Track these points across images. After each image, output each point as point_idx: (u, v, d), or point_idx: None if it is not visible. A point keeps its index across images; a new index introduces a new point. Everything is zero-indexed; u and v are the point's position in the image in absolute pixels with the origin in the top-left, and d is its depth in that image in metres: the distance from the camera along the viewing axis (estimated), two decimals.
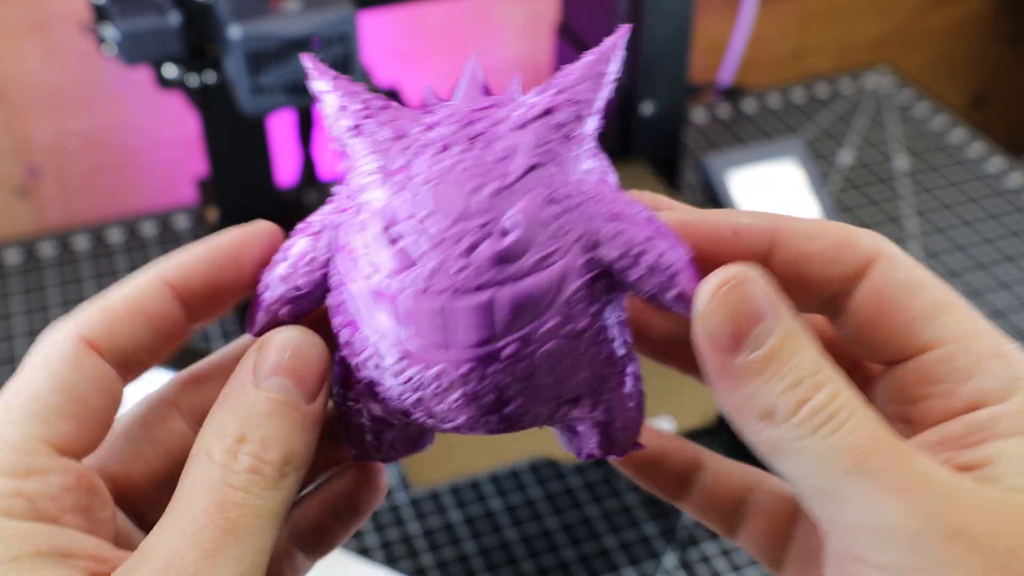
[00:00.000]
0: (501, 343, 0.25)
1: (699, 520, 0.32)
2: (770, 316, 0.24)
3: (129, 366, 0.27)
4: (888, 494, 0.23)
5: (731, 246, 0.27)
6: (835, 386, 0.24)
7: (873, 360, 0.28)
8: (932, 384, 0.26)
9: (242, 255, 0.28)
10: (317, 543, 0.31)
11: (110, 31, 0.63)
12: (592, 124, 0.26)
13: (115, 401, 0.27)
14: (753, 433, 0.25)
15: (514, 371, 0.25)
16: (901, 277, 0.27)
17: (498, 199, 0.25)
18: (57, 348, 0.26)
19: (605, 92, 0.26)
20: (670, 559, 0.65)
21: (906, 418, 0.27)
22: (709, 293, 0.24)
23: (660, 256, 0.25)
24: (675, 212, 0.28)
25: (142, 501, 0.28)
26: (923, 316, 0.26)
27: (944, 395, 0.26)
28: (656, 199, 0.28)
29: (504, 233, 0.25)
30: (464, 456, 0.66)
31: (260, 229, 0.28)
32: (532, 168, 0.25)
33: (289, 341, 0.26)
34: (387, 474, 0.31)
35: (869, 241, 0.27)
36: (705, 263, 0.27)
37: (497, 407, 0.26)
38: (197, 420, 0.28)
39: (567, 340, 0.25)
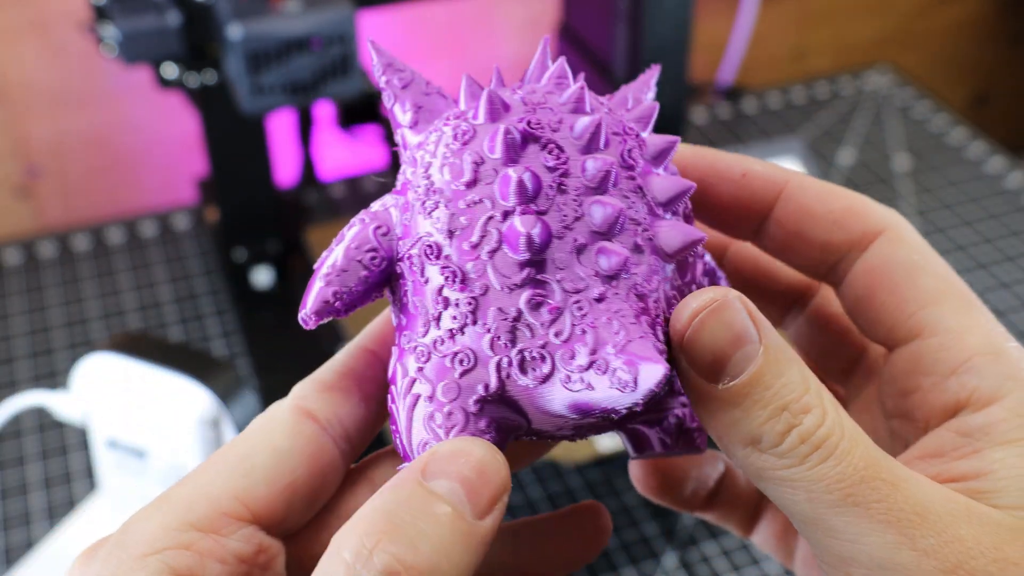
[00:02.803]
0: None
1: (717, 524, 0.32)
2: (751, 339, 0.22)
3: (351, 439, 0.26)
4: (879, 527, 0.22)
5: (736, 187, 0.26)
6: (822, 408, 0.23)
7: (871, 339, 0.27)
8: (921, 375, 0.25)
9: None
10: None
11: (110, 31, 0.63)
12: None
13: (330, 476, 0.25)
14: (738, 460, 0.23)
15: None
16: (902, 257, 0.26)
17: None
18: (275, 417, 0.25)
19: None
20: (670, 559, 0.65)
21: (903, 412, 0.26)
22: (687, 318, 0.23)
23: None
24: (691, 147, 0.27)
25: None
26: (917, 301, 0.25)
27: (931, 388, 0.25)
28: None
29: None
30: None
31: None
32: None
33: (472, 454, 0.22)
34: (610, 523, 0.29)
35: (879, 214, 0.26)
36: (708, 201, 0.26)
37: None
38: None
39: None
